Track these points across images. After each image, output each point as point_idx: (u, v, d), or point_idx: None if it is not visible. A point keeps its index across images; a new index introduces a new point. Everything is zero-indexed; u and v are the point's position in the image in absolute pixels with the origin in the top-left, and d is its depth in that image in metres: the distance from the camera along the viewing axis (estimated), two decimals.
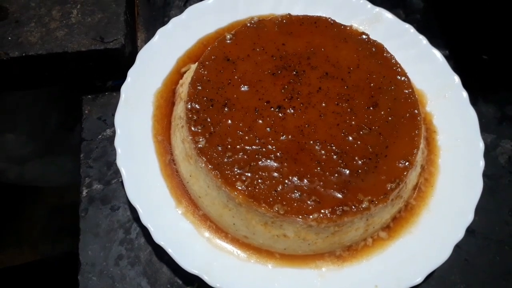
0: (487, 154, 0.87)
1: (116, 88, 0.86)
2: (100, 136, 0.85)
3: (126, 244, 0.77)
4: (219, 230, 0.74)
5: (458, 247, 0.78)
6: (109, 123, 0.86)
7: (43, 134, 1.28)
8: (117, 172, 0.80)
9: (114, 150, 0.76)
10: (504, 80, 0.99)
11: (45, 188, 1.43)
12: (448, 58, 0.93)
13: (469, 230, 0.80)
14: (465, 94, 0.85)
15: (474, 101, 0.87)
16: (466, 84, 0.86)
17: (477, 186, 0.77)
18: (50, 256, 1.43)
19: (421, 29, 0.92)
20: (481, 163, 0.79)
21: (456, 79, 0.86)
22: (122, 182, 0.74)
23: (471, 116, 0.83)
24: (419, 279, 0.70)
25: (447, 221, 0.75)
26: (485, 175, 0.82)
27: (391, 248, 0.74)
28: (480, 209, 0.77)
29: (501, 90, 0.97)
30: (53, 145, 1.31)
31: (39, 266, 1.41)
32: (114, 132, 0.77)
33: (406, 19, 0.99)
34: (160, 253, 0.74)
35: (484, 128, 0.89)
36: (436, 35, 1.01)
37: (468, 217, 0.74)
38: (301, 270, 0.72)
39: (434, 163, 0.81)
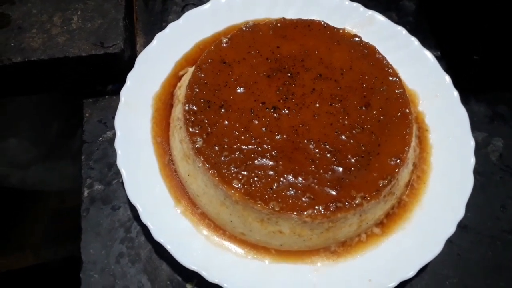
0: (479, 152, 0.90)
1: (116, 92, 0.89)
2: (100, 138, 0.87)
3: (127, 243, 0.79)
4: (217, 227, 0.76)
5: (450, 242, 0.80)
6: (110, 126, 0.88)
7: (45, 139, 1.30)
8: (118, 173, 0.83)
9: (114, 152, 0.78)
10: (495, 79, 1.01)
11: (46, 192, 1.45)
12: (440, 58, 0.95)
13: (462, 226, 0.83)
14: (456, 93, 0.87)
15: (466, 100, 0.89)
16: (458, 84, 0.88)
17: (468, 183, 0.79)
18: (52, 260, 1.45)
19: (413, 31, 0.94)
20: (472, 160, 0.81)
21: (447, 79, 0.89)
22: (122, 183, 0.76)
23: (462, 114, 0.85)
24: (411, 273, 0.71)
25: (439, 216, 0.77)
26: (477, 172, 0.84)
27: (384, 244, 0.76)
28: (472, 205, 0.79)
29: (492, 89, 0.99)
30: (55, 150, 1.33)
31: (42, 270, 1.42)
32: (114, 134, 0.79)
33: (398, 22, 1.01)
34: (160, 250, 0.76)
35: (476, 126, 0.92)
36: (428, 36, 1.03)
37: (460, 212, 0.76)
38: (297, 265, 0.73)
39: (426, 161, 0.83)
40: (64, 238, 1.42)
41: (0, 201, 1.37)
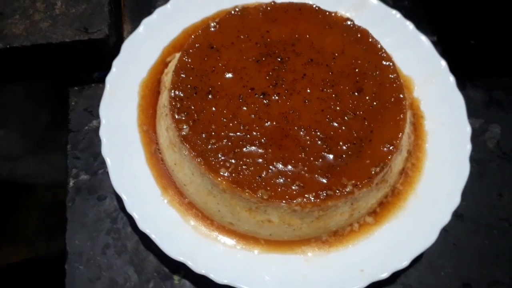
0: (476, 139, 0.87)
1: (102, 80, 0.86)
2: (86, 128, 0.85)
3: (113, 234, 0.76)
4: (205, 217, 0.74)
5: (446, 232, 0.78)
6: (96, 115, 0.86)
7: (34, 131, 1.28)
8: (104, 163, 0.80)
9: (100, 141, 0.76)
10: (491, 64, 0.98)
11: (38, 185, 1.43)
12: (436, 43, 0.93)
13: (458, 215, 0.81)
14: (452, 78, 0.85)
15: (462, 86, 0.87)
16: (454, 69, 0.86)
17: (464, 170, 0.77)
18: (45, 253, 1.43)
19: (408, 15, 0.92)
20: (468, 147, 0.78)
21: (443, 63, 0.86)
22: (108, 172, 0.74)
23: (458, 100, 0.83)
24: (405, 263, 0.69)
25: (434, 205, 0.75)
26: (474, 159, 0.82)
27: (377, 233, 0.74)
28: (468, 193, 0.77)
29: (489, 74, 0.97)
30: (45, 142, 1.31)
31: (35, 263, 1.41)
32: (100, 123, 0.77)
33: (394, 5, 0.98)
34: (146, 242, 0.74)
35: (472, 112, 0.89)
36: (423, 20, 1.00)
37: (455, 200, 0.74)
38: (287, 255, 0.71)
39: (421, 148, 0.81)
40: (57, 231, 1.41)
41: None
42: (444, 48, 0.96)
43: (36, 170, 1.36)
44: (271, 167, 0.69)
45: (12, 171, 1.34)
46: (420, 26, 0.91)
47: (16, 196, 1.44)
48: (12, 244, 1.43)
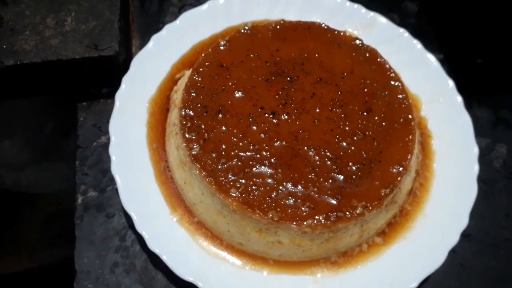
0: (482, 158, 0.87)
1: (111, 95, 0.86)
2: (95, 143, 0.85)
3: (122, 252, 0.76)
4: (214, 237, 0.74)
5: (453, 252, 0.78)
6: (104, 130, 0.86)
7: (39, 141, 1.28)
8: (112, 179, 0.80)
9: (109, 157, 0.76)
10: (498, 83, 0.99)
11: (42, 194, 1.43)
12: (442, 61, 0.93)
13: (465, 235, 0.80)
14: (459, 98, 0.85)
15: (468, 104, 0.87)
16: (460, 88, 0.87)
17: (472, 191, 0.77)
18: (48, 263, 1.43)
19: (415, 33, 0.92)
20: (476, 168, 0.79)
21: (451, 83, 0.87)
22: (117, 189, 0.74)
23: (465, 120, 0.83)
24: (413, 285, 0.70)
25: (442, 226, 0.75)
26: (480, 179, 0.82)
27: (386, 254, 0.74)
28: (475, 213, 0.77)
29: (495, 93, 0.97)
30: (49, 152, 1.31)
31: (37, 273, 1.41)
32: (109, 139, 0.77)
33: (400, 24, 0.99)
34: (155, 260, 0.74)
35: (479, 132, 0.89)
36: (430, 39, 1.01)
37: (463, 221, 0.75)
38: (296, 276, 0.72)
39: (429, 168, 0.81)
40: (59, 241, 1.41)
41: None
42: (451, 66, 0.96)
43: (39, 179, 1.37)
44: (281, 187, 0.69)
45: (16, 180, 1.34)
46: (427, 44, 0.91)
47: (19, 205, 1.44)
48: (15, 253, 1.43)
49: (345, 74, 0.80)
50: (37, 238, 1.44)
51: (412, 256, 0.73)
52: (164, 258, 0.68)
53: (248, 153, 0.71)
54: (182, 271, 0.68)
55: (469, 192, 0.77)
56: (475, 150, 0.80)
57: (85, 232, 0.78)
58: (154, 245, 0.69)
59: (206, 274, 0.69)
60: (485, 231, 0.83)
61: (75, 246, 0.77)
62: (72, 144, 0.88)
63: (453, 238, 0.73)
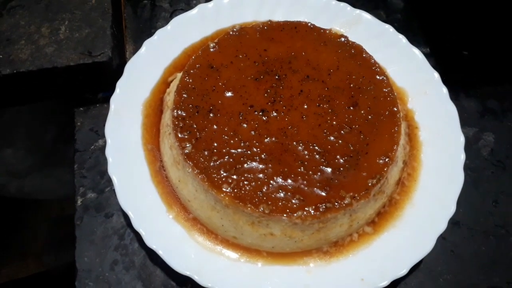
0: (470, 147, 0.90)
1: (106, 100, 0.89)
2: (92, 147, 0.88)
3: (121, 250, 0.79)
4: (209, 232, 0.76)
5: (443, 239, 0.81)
6: (101, 134, 0.89)
7: (41, 148, 1.31)
8: (110, 181, 0.82)
9: (106, 160, 0.78)
10: (484, 74, 1.01)
11: (45, 200, 1.46)
12: (429, 55, 0.96)
13: (454, 222, 0.83)
14: (445, 90, 0.87)
15: (455, 96, 0.89)
16: (447, 80, 0.88)
17: (458, 179, 0.79)
18: (54, 267, 1.46)
19: (402, 28, 0.94)
20: (462, 157, 0.81)
21: (436, 75, 0.89)
22: (114, 190, 0.77)
23: (451, 111, 0.85)
24: (404, 271, 0.72)
25: (430, 214, 0.77)
26: (469, 167, 0.84)
27: (376, 242, 0.76)
28: (464, 201, 0.80)
29: (482, 84, 0.99)
30: (51, 158, 1.34)
31: (44, 277, 1.43)
32: (105, 142, 0.80)
33: (387, 20, 1.02)
34: (153, 257, 0.76)
35: (467, 122, 0.92)
36: (417, 33, 1.04)
37: (451, 209, 0.76)
38: (290, 267, 0.74)
39: (416, 158, 0.83)
40: (64, 245, 1.43)
41: (0, 211, 1.38)
42: (437, 59, 0.98)
43: (43, 185, 1.39)
44: (271, 181, 0.71)
45: (20, 187, 1.37)
46: (413, 38, 0.94)
47: (24, 211, 1.47)
48: (21, 259, 1.46)
49: (331, 70, 0.82)
50: (43, 243, 1.46)
51: (402, 244, 0.75)
52: (161, 253, 0.71)
53: (239, 150, 0.74)
54: (179, 266, 0.71)
55: (456, 181, 0.79)
56: (461, 139, 0.82)
57: (85, 232, 0.80)
58: (151, 242, 0.72)
59: (203, 268, 0.71)
60: (474, 218, 0.85)
61: (76, 246, 0.80)
62: (73, 149, 0.91)
63: (441, 226, 0.75)
